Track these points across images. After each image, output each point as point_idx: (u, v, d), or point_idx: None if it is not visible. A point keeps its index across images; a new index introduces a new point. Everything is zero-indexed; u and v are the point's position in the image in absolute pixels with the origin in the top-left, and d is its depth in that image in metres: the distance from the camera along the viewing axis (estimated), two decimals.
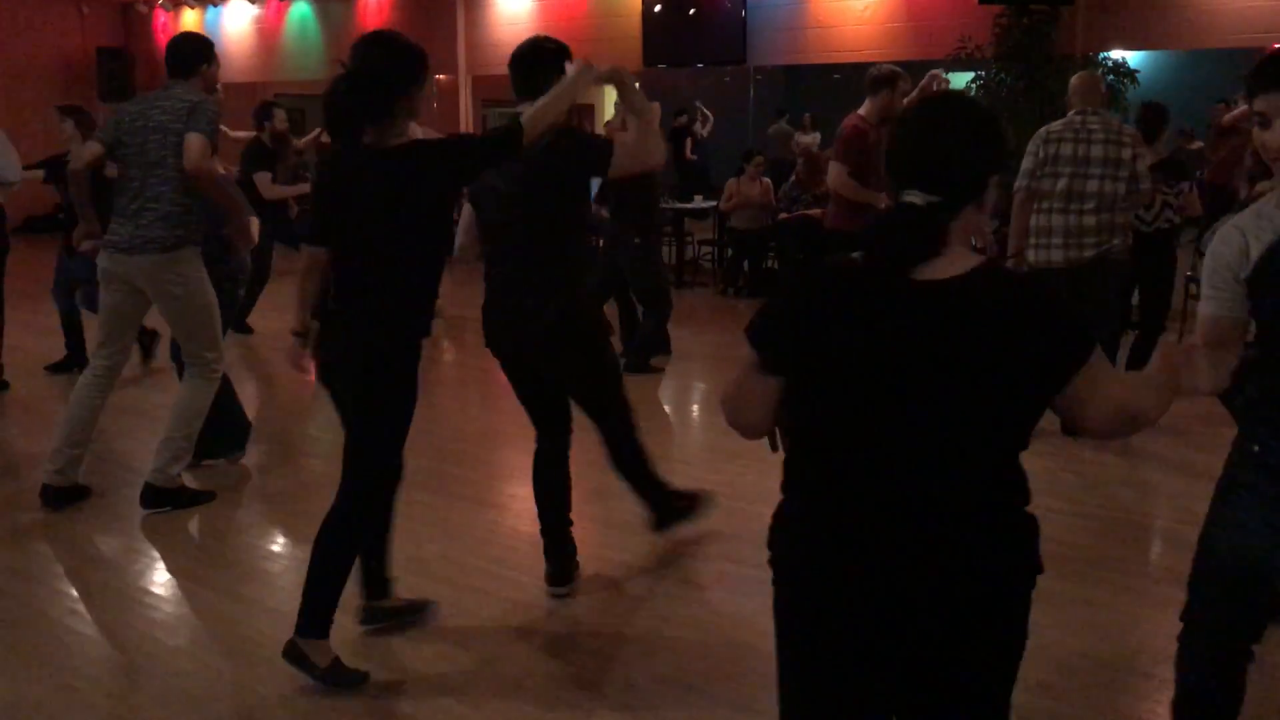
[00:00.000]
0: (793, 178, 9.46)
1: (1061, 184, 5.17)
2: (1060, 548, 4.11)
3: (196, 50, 4.40)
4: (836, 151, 5.75)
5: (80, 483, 4.53)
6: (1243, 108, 7.67)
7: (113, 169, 4.43)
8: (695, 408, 6.56)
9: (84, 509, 4.54)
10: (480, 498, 4.67)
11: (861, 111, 5.70)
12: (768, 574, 3.88)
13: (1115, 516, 4.44)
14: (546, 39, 3.49)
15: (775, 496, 4.54)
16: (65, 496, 4.44)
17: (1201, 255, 5.44)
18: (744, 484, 4.77)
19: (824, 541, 1.77)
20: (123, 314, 4.42)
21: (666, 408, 6.55)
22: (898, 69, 5.79)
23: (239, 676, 3.12)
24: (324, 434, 5.40)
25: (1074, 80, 5.45)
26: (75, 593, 3.67)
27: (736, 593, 3.70)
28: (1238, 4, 7.95)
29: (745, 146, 10.64)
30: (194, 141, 4.13)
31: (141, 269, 4.27)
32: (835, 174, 5.69)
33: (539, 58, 3.40)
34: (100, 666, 3.16)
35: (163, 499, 4.41)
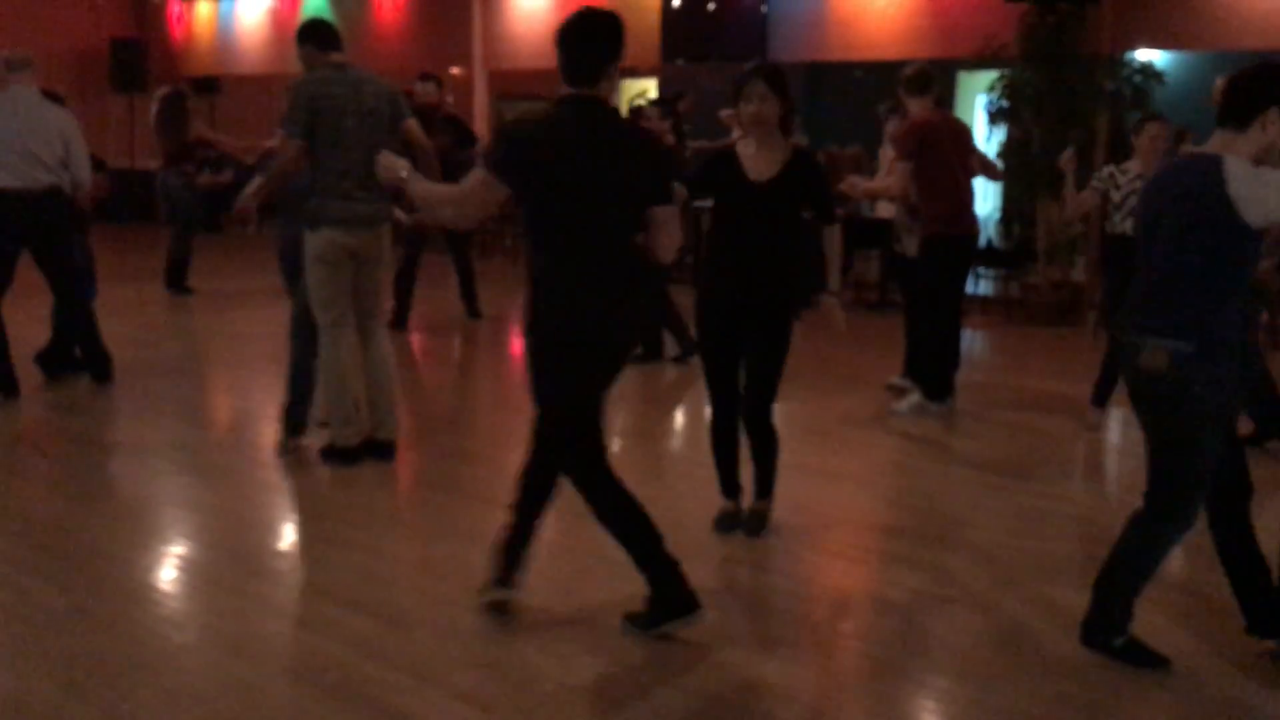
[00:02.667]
0: None
1: None
2: (1083, 555, 4.03)
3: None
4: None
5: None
6: None
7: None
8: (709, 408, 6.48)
9: (91, 504, 4.51)
10: (491, 497, 4.59)
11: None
12: (788, 580, 3.83)
13: None
14: (601, 15, 3.24)
15: (794, 502, 4.48)
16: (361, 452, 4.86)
17: None
18: None
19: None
20: (344, 283, 4.74)
21: (680, 407, 6.48)
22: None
23: (246, 674, 3.07)
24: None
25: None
26: (82, 588, 3.62)
27: (751, 599, 3.64)
28: (1268, 4, 7.83)
29: None
30: (420, 128, 4.97)
31: (369, 240, 4.74)
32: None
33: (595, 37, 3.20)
34: (105, 662, 3.12)
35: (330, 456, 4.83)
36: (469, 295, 8.34)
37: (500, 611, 3.34)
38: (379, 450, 4.88)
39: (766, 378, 3.98)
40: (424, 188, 3.37)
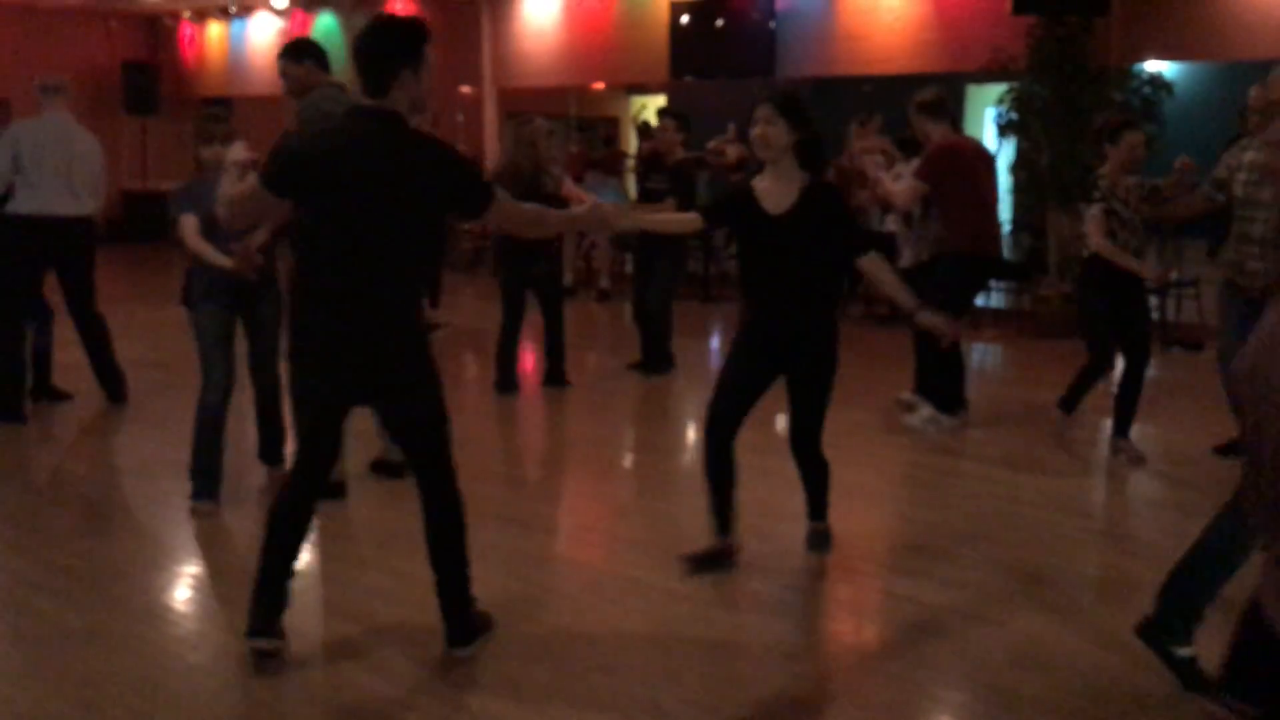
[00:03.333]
0: None
1: None
2: (1098, 570, 4.01)
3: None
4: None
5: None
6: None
7: None
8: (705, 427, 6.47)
9: (106, 525, 4.51)
10: (506, 515, 4.61)
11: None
12: (799, 594, 3.83)
13: (1151, 540, 4.34)
14: (393, 20, 3.13)
15: (803, 516, 4.45)
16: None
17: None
18: (774, 502, 4.69)
19: None
20: None
21: (691, 423, 6.48)
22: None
23: (260, 694, 3.07)
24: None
25: None
26: (97, 608, 3.63)
27: (766, 613, 3.62)
28: (1276, 13, 7.82)
29: None
30: None
31: None
32: None
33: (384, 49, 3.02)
34: (121, 682, 3.12)
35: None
36: (554, 357, 6.89)
37: (270, 659, 3.16)
38: (389, 470, 4.90)
39: (812, 408, 3.83)
40: (224, 185, 3.29)
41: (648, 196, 7.11)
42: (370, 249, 3.00)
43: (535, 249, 6.36)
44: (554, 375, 6.70)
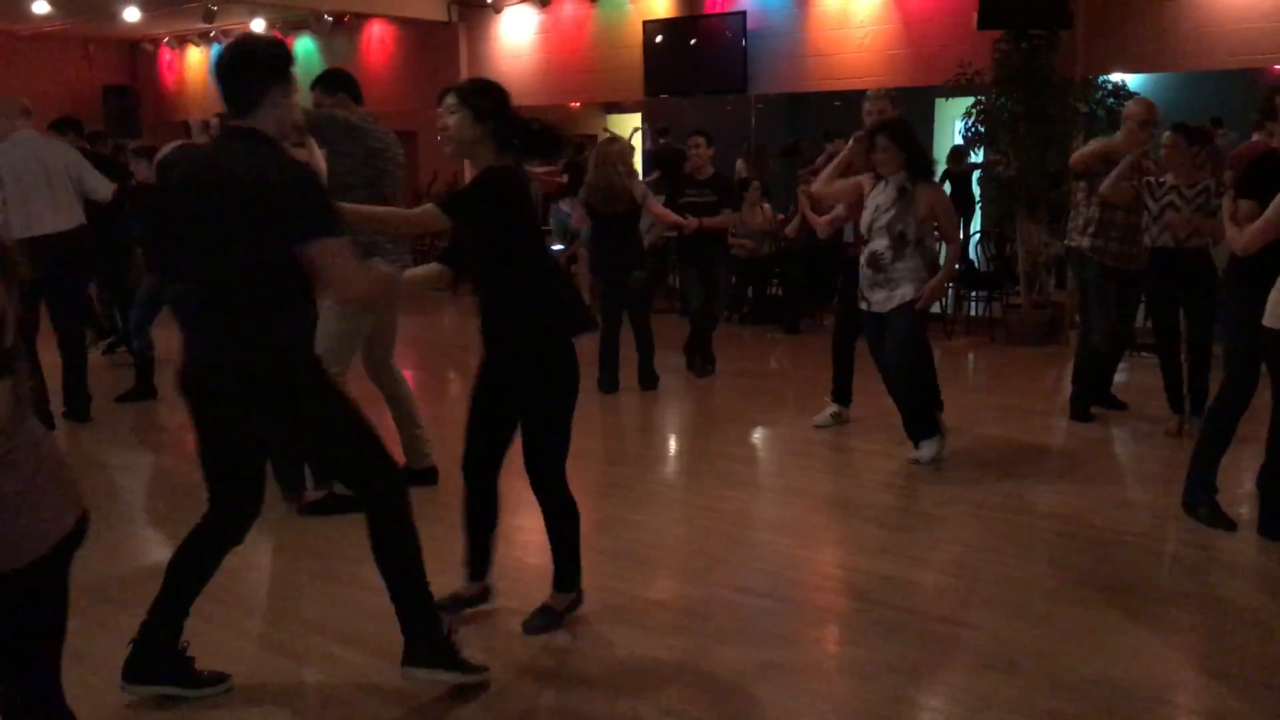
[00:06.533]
0: (793, 207, 9.51)
1: None
2: (1068, 571, 4.09)
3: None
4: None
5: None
6: None
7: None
8: (703, 436, 6.54)
9: (86, 547, 4.53)
10: None
11: None
12: (776, 602, 3.89)
13: (1123, 540, 4.42)
14: (258, 41, 3.15)
15: (782, 524, 4.52)
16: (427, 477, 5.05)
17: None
18: (751, 512, 4.76)
19: None
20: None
21: (671, 435, 6.54)
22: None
23: (245, 713, 3.11)
24: None
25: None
26: (80, 631, 3.64)
27: (745, 622, 3.68)
28: (1237, 25, 7.98)
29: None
30: None
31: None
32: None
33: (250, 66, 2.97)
34: (104, 704, 3.15)
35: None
36: (645, 365, 7.33)
37: None
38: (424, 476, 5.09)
39: (535, 442, 3.61)
40: None
41: (691, 209, 7.49)
42: (199, 271, 2.91)
43: (629, 259, 7.02)
44: (646, 377, 7.23)
